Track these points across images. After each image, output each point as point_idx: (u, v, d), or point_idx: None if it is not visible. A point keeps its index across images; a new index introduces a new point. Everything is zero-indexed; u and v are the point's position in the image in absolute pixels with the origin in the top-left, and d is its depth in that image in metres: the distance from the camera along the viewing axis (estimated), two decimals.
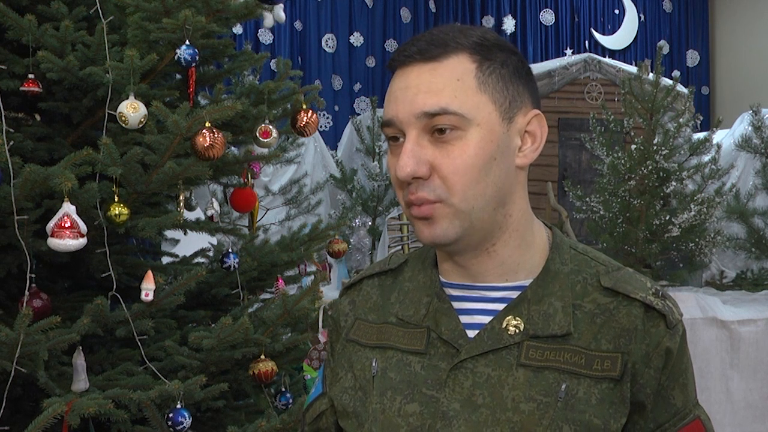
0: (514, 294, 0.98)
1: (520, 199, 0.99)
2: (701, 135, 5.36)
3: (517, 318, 0.96)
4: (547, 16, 10.69)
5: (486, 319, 0.97)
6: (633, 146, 5.02)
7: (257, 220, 2.94)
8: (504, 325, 0.96)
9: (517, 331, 0.95)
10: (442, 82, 0.92)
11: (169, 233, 2.91)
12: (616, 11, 10.96)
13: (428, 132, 0.92)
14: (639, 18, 11.03)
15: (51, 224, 1.75)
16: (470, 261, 0.99)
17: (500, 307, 0.98)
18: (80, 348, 1.88)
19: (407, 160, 0.92)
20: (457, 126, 0.91)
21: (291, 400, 2.25)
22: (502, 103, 0.94)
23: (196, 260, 2.61)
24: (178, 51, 1.98)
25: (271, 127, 2.26)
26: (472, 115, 0.92)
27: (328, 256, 2.86)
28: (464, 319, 0.98)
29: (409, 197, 0.94)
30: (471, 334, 0.97)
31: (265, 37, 9.34)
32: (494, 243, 0.98)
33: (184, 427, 1.82)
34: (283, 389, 2.26)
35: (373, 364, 1.02)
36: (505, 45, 0.97)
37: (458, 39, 0.94)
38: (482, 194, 0.93)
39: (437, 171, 0.92)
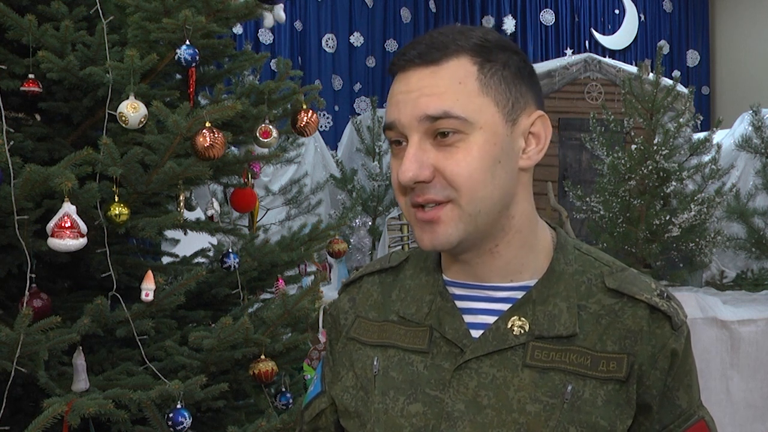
0: (519, 294, 0.98)
1: (523, 200, 0.98)
2: (701, 135, 5.35)
3: (522, 318, 0.95)
4: (547, 16, 10.69)
5: (490, 319, 0.97)
6: (633, 146, 5.01)
7: (257, 220, 2.94)
8: (509, 326, 0.95)
9: (522, 331, 0.95)
10: (444, 85, 0.91)
11: (169, 233, 2.91)
12: (616, 11, 10.96)
13: (431, 136, 0.92)
14: (639, 18, 11.02)
15: (51, 224, 1.75)
16: (474, 260, 0.98)
17: (505, 307, 0.97)
18: (80, 348, 1.88)
19: (409, 164, 0.91)
20: (459, 129, 0.90)
21: (291, 400, 2.25)
22: (505, 105, 0.93)
23: (196, 260, 2.61)
24: (178, 51, 1.98)
25: (271, 127, 2.26)
26: (475, 119, 0.91)
27: (329, 256, 2.87)
28: (468, 318, 0.98)
29: (416, 199, 0.93)
30: (475, 334, 0.97)
31: (265, 37, 9.33)
32: (497, 244, 0.97)
33: (184, 427, 1.82)
34: (284, 389, 2.26)
35: (375, 362, 1.01)
36: (507, 45, 0.96)
37: (458, 41, 0.93)
38: (489, 197, 0.92)
39: (441, 174, 0.91)
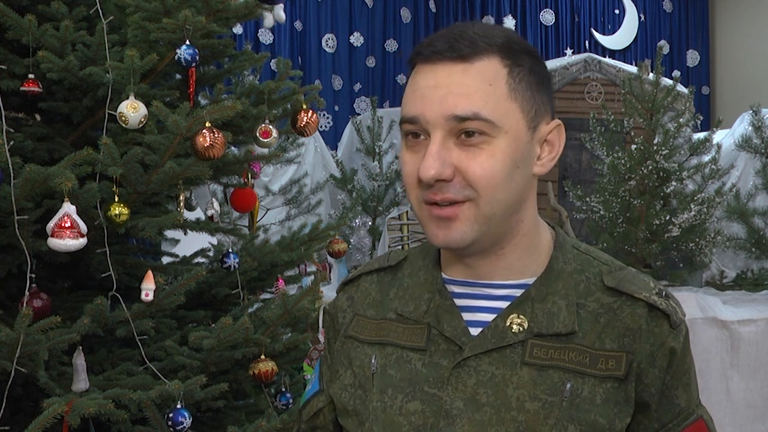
0: (518, 292, 0.98)
1: (531, 206, 0.99)
2: (701, 135, 5.35)
3: (521, 316, 0.96)
4: (547, 16, 10.68)
5: (489, 317, 0.97)
6: (633, 146, 5.01)
7: (257, 220, 2.94)
8: (508, 323, 0.96)
9: (521, 329, 0.95)
10: (475, 86, 0.90)
11: (169, 233, 2.91)
12: (616, 11, 10.96)
13: (454, 134, 0.91)
14: (639, 18, 11.02)
15: (51, 224, 1.75)
16: (478, 262, 0.99)
17: (503, 305, 0.98)
18: (80, 348, 1.88)
19: (433, 161, 0.90)
20: (486, 132, 0.90)
21: (291, 400, 2.25)
22: (529, 112, 0.94)
23: (196, 260, 2.61)
24: (178, 51, 1.98)
25: (271, 127, 2.26)
26: (502, 123, 0.91)
27: (329, 256, 2.87)
28: (467, 316, 0.98)
29: (433, 197, 0.92)
30: (473, 332, 0.97)
31: (265, 37, 9.33)
32: (504, 247, 0.98)
33: (184, 427, 1.82)
34: (283, 389, 2.26)
35: (372, 360, 1.01)
36: (531, 49, 0.96)
37: (486, 39, 0.92)
38: (505, 200, 0.93)
39: (462, 174, 0.91)
